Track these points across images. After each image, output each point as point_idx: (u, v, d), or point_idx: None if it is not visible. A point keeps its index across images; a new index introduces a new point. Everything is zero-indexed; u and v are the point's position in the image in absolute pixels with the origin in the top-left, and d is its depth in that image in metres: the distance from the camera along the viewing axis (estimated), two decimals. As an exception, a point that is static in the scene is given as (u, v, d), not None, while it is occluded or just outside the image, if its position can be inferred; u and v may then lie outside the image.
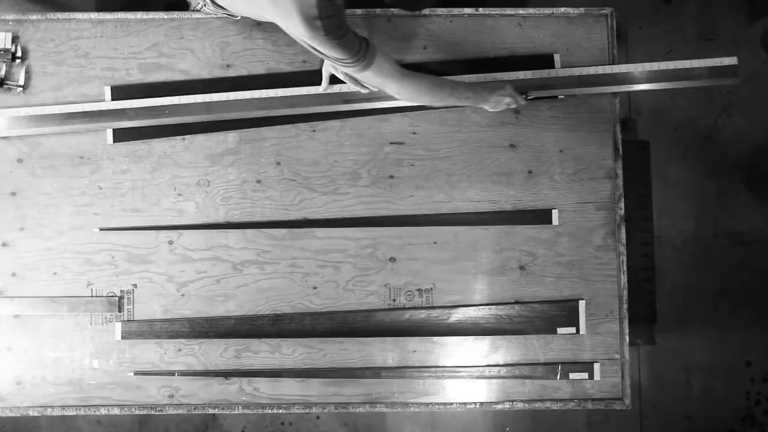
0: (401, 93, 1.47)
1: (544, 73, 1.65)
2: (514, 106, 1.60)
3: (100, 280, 1.63)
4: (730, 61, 1.64)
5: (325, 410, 1.63)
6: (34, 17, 1.65)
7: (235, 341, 1.63)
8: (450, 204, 1.66)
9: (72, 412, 1.61)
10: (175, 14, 1.67)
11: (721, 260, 2.51)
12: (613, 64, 1.68)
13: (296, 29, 1.29)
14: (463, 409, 1.64)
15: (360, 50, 1.34)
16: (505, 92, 1.57)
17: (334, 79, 1.62)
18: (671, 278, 2.49)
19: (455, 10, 1.68)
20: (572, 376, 1.63)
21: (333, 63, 1.38)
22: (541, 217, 1.66)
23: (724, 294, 2.50)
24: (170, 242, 1.64)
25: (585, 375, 1.63)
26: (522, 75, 1.64)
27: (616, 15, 1.70)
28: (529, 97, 1.63)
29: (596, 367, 1.64)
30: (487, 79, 1.64)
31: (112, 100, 1.64)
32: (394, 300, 1.65)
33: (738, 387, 2.48)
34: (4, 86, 1.63)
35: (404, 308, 1.64)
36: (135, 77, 1.66)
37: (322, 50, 1.32)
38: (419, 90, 1.48)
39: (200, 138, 1.65)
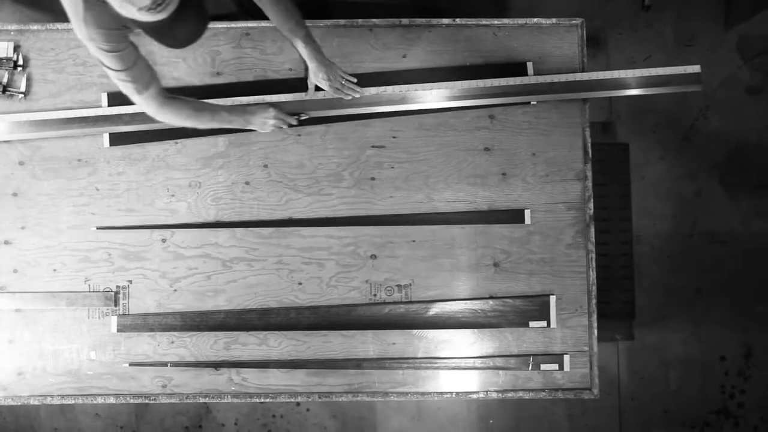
0: (159, 116, 1.51)
1: (517, 80, 1.73)
2: (283, 126, 1.69)
3: (97, 276, 1.72)
4: (693, 69, 1.73)
5: (309, 399, 1.71)
6: (35, 27, 1.74)
7: (224, 334, 1.72)
8: (428, 204, 1.75)
9: (70, 401, 1.70)
10: (168, 25, 1.75)
11: (698, 259, 2.58)
12: (584, 71, 1.77)
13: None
14: (440, 399, 1.72)
15: (133, 67, 1.34)
16: (269, 114, 1.66)
17: (319, 87, 1.70)
18: (650, 276, 2.57)
19: (434, 21, 1.77)
20: (543, 367, 1.72)
21: (104, 68, 1.35)
22: (515, 216, 1.74)
23: (700, 291, 2.57)
24: (163, 240, 1.73)
25: (555, 366, 1.72)
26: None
27: (586, 25, 1.78)
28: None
29: (566, 358, 1.72)
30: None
31: (109, 105, 1.73)
32: (375, 295, 1.73)
33: (713, 381, 2.56)
34: (7, 93, 1.72)
35: (384, 303, 1.73)
36: (130, 84, 1.74)
37: (91, 51, 1.31)
38: (179, 115, 1.53)
39: (192, 142, 1.74)
